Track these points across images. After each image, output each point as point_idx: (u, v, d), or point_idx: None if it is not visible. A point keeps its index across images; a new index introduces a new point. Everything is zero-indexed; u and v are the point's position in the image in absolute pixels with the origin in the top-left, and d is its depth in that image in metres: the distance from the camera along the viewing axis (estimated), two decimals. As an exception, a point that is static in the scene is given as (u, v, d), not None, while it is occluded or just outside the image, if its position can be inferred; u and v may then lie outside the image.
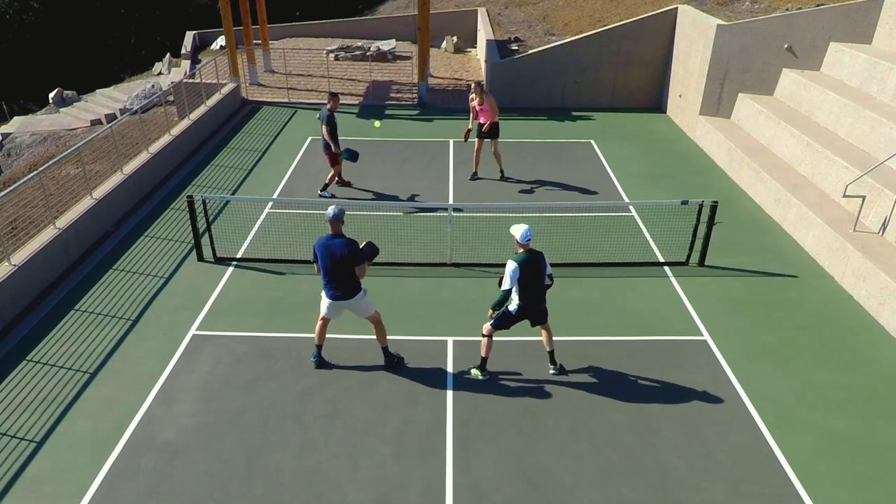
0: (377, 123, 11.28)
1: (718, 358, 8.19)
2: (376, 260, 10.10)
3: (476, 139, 13.21)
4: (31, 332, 8.64)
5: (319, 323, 7.70)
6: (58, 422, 7.13)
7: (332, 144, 12.02)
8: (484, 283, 9.74)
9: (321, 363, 7.90)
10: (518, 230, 7.15)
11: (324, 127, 11.86)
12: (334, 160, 12.25)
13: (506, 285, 7.16)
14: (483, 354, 7.69)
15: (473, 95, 12.83)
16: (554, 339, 8.14)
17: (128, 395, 7.49)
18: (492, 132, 12.92)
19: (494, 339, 7.73)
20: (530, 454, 6.74)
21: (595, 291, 9.58)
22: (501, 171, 13.43)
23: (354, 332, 8.53)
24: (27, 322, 8.85)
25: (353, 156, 12.24)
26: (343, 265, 7.15)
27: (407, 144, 15.37)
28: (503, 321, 7.48)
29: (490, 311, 7.39)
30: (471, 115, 13.08)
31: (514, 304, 7.35)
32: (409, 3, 29.12)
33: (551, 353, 7.83)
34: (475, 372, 7.84)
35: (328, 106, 11.94)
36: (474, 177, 13.52)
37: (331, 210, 7.15)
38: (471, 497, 6.27)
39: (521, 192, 12.89)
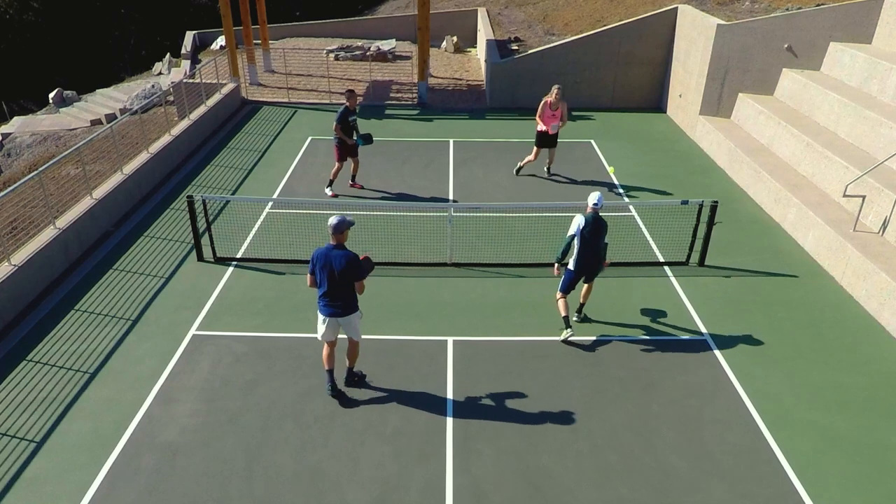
0: (611, 169, 11.35)
1: (718, 358, 8.19)
2: (376, 260, 10.16)
3: (535, 147, 13.11)
4: (31, 332, 8.64)
5: (325, 349, 7.34)
6: (58, 422, 7.13)
7: (344, 139, 12.11)
8: (484, 282, 9.74)
9: (335, 391, 7.41)
10: (593, 195, 8.19)
11: (335, 124, 12.01)
12: (342, 156, 12.28)
13: (570, 231, 8.11)
14: (563, 314, 8.29)
15: (552, 99, 12.52)
16: (553, 339, 8.20)
17: (128, 395, 7.49)
18: (554, 140, 13.00)
19: (498, 338, 7.76)
20: (530, 454, 6.74)
21: (595, 291, 9.56)
22: (549, 168, 13.60)
23: (354, 332, 8.54)
24: (27, 322, 8.85)
25: (367, 139, 12.27)
26: (342, 279, 6.74)
27: (407, 144, 15.37)
28: (567, 283, 8.27)
29: (556, 267, 8.24)
30: (541, 118, 12.70)
31: (572, 262, 8.20)
32: (409, 3, 29.12)
33: (582, 305, 8.72)
34: (563, 332, 8.30)
35: (347, 104, 12.02)
36: (519, 172, 13.65)
37: (333, 219, 6.70)
38: (471, 497, 6.27)
39: (521, 191, 12.89)
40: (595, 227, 8.08)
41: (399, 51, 23.04)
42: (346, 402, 7.40)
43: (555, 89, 12.58)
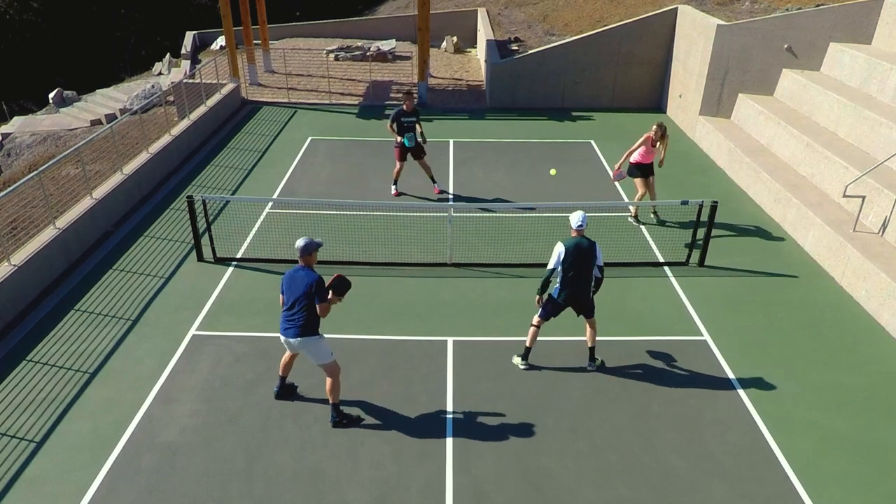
0: (553, 171, 10.02)
1: (718, 358, 8.19)
2: (376, 260, 10.19)
3: (640, 178, 11.33)
4: (31, 332, 8.64)
5: (285, 355, 7.22)
6: (58, 422, 7.13)
7: (395, 137, 12.19)
8: (484, 282, 9.74)
9: (281, 394, 7.39)
10: (574, 217, 7.42)
11: (388, 122, 12.15)
12: (401, 156, 12.36)
13: (550, 265, 7.39)
14: (528, 344, 7.82)
15: (654, 136, 10.97)
16: (554, 338, 8.15)
17: (128, 395, 7.49)
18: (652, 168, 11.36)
19: (498, 338, 7.73)
20: (530, 454, 6.74)
21: (595, 291, 9.58)
22: (656, 214, 11.75)
23: (354, 333, 8.54)
24: (27, 322, 8.84)
25: (411, 140, 12.07)
26: (303, 300, 6.61)
27: (407, 144, 15.35)
28: (549, 309, 7.62)
29: (537, 298, 7.55)
30: (634, 152, 11.24)
31: (556, 290, 7.54)
32: (409, 3, 29.13)
33: (592, 349, 7.88)
34: (516, 359, 7.97)
35: (404, 105, 12.02)
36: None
37: (300, 241, 6.70)
38: (471, 497, 6.27)
39: (521, 191, 12.88)
40: (580, 253, 7.32)
41: (399, 51, 23.04)
42: (346, 402, 7.39)
43: (655, 126, 11.03)
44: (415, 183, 13.20)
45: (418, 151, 12.39)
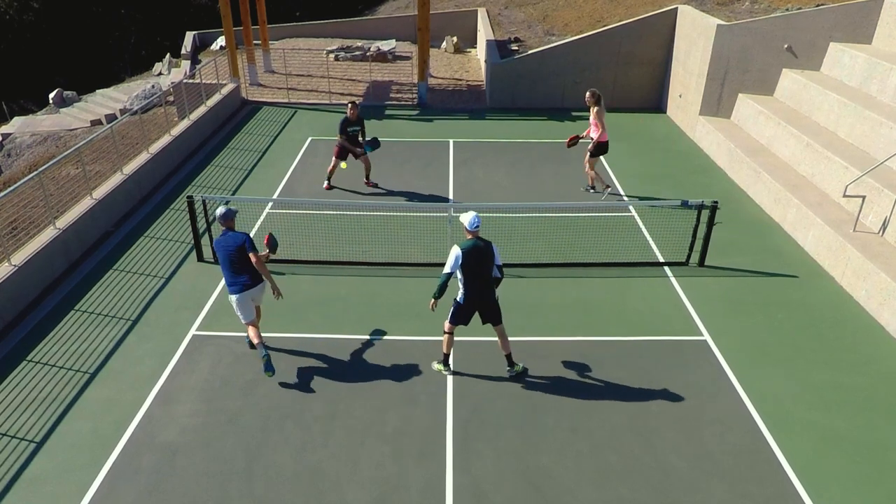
0: (343, 165, 9.93)
1: (718, 358, 8.19)
2: (373, 259, 10.19)
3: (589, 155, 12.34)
4: (31, 332, 8.64)
5: (251, 330, 7.60)
6: (58, 422, 7.13)
7: (349, 148, 12.48)
8: (484, 283, 9.73)
9: (270, 363, 7.52)
10: (466, 217, 7.22)
11: (339, 135, 12.46)
12: (340, 153, 12.56)
13: (446, 269, 7.20)
14: (444, 351, 7.72)
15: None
16: (553, 339, 8.15)
17: (128, 395, 7.49)
18: (596, 149, 12.27)
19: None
20: (530, 454, 6.74)
21: (595, 291, 9.58)
22: (591, 187, 12.76)
23: (354, 333, 8.54)
24: (27, 322, 8.85)
25: (373, 144, 12.58)
26: (239, 254, 7.47)
27: (407, 145, 15.37)
28: (457, 315, 7.48)
29: (431, 302, 7.40)
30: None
31: (460, 295, 7.38)
32: (409, 3, 29.13)
33: (508, 356, 7.73)
34: (437, 366, 7.90)
35: (348, 114, 12.31)
36: (599, 191, 12.71)
37: (220, 209, 7.62)
38: (471, 497, 6.27)
39: (521, 191, 12.88)
40: (477, 254, 7.14)
41: (399, 51, 23.04)
42: (346, 402, 7.41)
43: (587, 94, 12.16)
44: (415, 182, 13.21)
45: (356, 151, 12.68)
